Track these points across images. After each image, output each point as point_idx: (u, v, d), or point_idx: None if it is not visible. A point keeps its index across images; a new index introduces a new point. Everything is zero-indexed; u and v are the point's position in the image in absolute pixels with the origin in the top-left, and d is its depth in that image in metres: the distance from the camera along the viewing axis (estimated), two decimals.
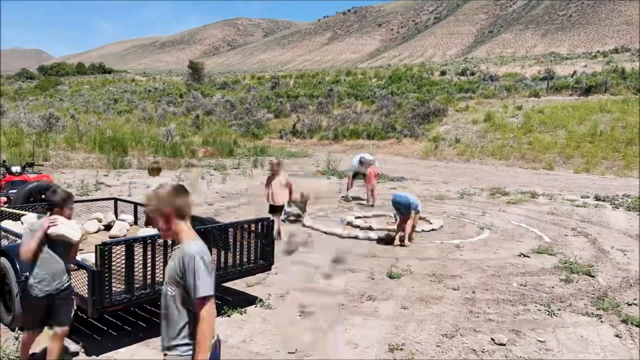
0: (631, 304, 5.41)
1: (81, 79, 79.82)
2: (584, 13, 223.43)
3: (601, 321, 4.98)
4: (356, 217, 9.69)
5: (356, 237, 8.23)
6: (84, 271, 3.91)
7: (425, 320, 4.90)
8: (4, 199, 7.37)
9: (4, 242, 5.00)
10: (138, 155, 19.85)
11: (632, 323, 4.87)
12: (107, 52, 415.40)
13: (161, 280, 4.15)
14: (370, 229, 8.81)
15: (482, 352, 4.28)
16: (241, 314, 4.89)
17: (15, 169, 8.19)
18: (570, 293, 5.74)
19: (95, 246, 3.80)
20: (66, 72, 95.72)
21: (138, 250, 3.99)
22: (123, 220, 6.61)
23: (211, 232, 4.65)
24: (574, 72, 42.40)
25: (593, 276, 6.37)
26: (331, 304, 5.24)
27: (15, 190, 7.44)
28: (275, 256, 5.32)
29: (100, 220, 6.46)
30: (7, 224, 5.61)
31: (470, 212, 10.88)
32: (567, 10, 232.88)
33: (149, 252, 4.05)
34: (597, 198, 12.78)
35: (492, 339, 4.50)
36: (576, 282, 6.14)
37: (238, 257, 4.84)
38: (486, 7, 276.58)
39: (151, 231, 5.65)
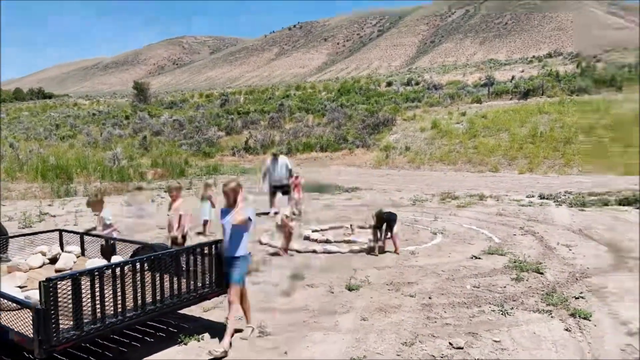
0: (578, 297, 5.67)
1: (19, 105, 76.43)
2: (519, 20, 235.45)
3: (551, 317, 5.18)
4: (313, 231, 9.69)
5: (314, 251, 8.22)
6: (28, 310, 3.70)
7: (385, 330, 4.94)
8: None
9: None
10: (84, 182, 19.12)
11: (579, 316, 5.10)
12: (47, 76, 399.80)
13: (111, 313, 4.00)
14: (327, 241, 8.82)
15: (442, 357, 4.35)
16: (198, 340, 4.76)
17: None
18: (522, 291, 5.95)
19: (39, 282, 3.61)
20: (3, 99, 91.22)
21: (85, 283, 3.83)
22: (69, 252, 6.32)
23: (162, 259, 4.52)
24: (513, 77, 44.54)
25: (542, 273, 6.64)
26: (292, 322, 5.20)
27: None
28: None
29: (44, 254, 6.15)
30: None
31: (423, 217, 11.12)
32: (503, 18, 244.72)
33: (97, 285, 3.89)
34: (541, 197, 13.38)
35: (450, 343, 4.59)
36: (526, 280, 6.37)
37: (192, 282, 4.72)
38: (427, 18, 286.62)
39: (99, 262, 5.44)
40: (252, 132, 33.05)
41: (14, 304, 3.94)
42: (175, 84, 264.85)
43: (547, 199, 13.05)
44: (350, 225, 9.63)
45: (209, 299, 5.11)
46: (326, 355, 4.43)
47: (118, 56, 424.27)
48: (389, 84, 51.77)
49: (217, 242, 4.96)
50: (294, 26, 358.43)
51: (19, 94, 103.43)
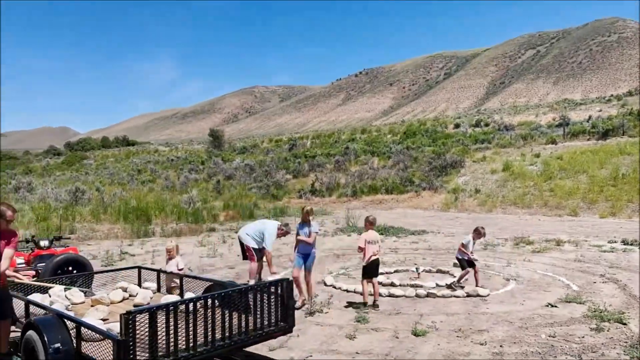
0: None
1: (106, 152, 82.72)
2: (594, 59, 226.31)
3: None
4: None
5: (380, 295, 8.13)
6: (109, 341, 3.97)
7: None
8: (32, 272, 7.57)
9: (33, 316, 5.12)
10: (161, 223, 20.21)
11: None
12: (131, 125, 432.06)
13: (184, 347, 4.20)
14: (392, 285, 8.71)
15: None
16: None
17: (44, 243, 8.45)
18: (602, 342, 5.55)
19: (120, 315, 3.89)
20: (91, 146, 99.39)
21: (161, 317, 4.06)
22: (147, 288, 6.71)
23: (231, 296, 4.71)
24: (589, 117, 42.53)
25: (625, 324, 6.16)
26: None
27: (43, 264, 7.66)
28: (296, 318, 5.32)
29: (125, 289, 6.56)
30: (36, 297, 5.77)
31: (495, 263, 10.71)
32: (577, 57, 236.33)
33: (171, 319, 4.12)
34: (624, 242, 12.48)
35: None
36: (607, 331, 5.94)
37: (259, 320, 4.86)
38: (495, 60, 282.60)
39: (174, 298, 5.74)
40: (318, 174, 33.64)
41: (97, 335, 4.24)
42: (247, 130, 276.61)
43: (631, 244, 12.15)
44: (417, 269, 9.47)
45: (275, 338, 5.21)
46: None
47: (195, 106, 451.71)
48: (457, 125, 51.08)
49: (283, 281, 5.09)
50: (360, 72, 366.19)
51: (105, 142, 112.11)
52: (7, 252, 4.94)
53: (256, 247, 8.33)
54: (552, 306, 7.14)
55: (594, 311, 6.71)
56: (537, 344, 5.64)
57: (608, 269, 9.66)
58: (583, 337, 5.79)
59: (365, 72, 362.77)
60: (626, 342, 5.52)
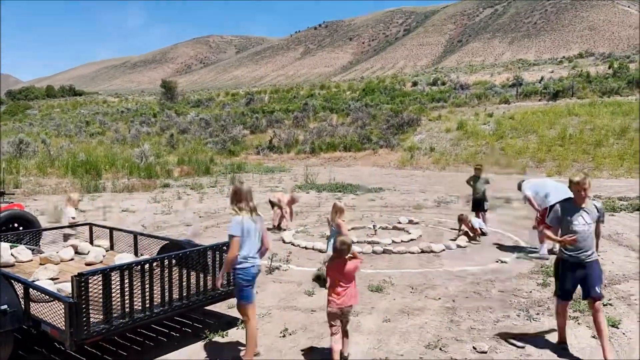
0: (606, 304, 5.54)
1: (51, 102, 78.54)
2: (549, 20, 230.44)
3: (578, 323, 5.09)
4: None
5: None
6: (60, 303, 3.82)
7: (407, 332, 4.93)
8: None
9: None
10: (112, 178, 19.57)
11: (608, 323, 4.98)
12: (77, 74, 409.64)
13: (139, 308, 4.10)
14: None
15: None
16: (222, 336, 4.84)
17: None
18: (548, 297, 5.84)
19: (72, 277, 3.73)
20: (35, 96, 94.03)
21: (115, 278, 3.93)
22: (99, 246, 6.50)
23: (190, 256, 4.61)
24: (542, 78, 43.64)
25: None
26: (313, 321, 5.24)
27: None
28: None
29: (75, 247, 6.33)
30: None
31: (448, 220, 11.01)
32: (532, 17, 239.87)
33: (126, 280, 3.99)
34: None
35: (473, 347, 4.55)
36: (553, 286, 6.24)
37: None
38: (454, 17, 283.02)
39: (128, 257, 5.58)
40: (277, 131, 33.27)
41: (46, 296, 4.07)
42: (201, 82, 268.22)
43: None
44: (374, 226, 9.62)
45: (234, 297, 5.19)
46: (350, 355, 4.44)
47: (146, 55, 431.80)
48: (415, 83, 51.36)
49: None
50: (320, 25, 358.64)
51: (50, 91, 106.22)
52: None
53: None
54: (502, 262, 7.45)
55: (541, 267, 7.06)
56: (488, 299, 5.89)
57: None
58: (530, 292, 6.09)
59: (325, 25, 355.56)
60: None
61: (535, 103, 31.58)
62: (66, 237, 6.85)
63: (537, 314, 5.35)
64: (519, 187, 8.36)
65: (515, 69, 61.82)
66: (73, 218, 7.31)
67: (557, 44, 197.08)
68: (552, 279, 6.44)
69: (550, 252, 7.51)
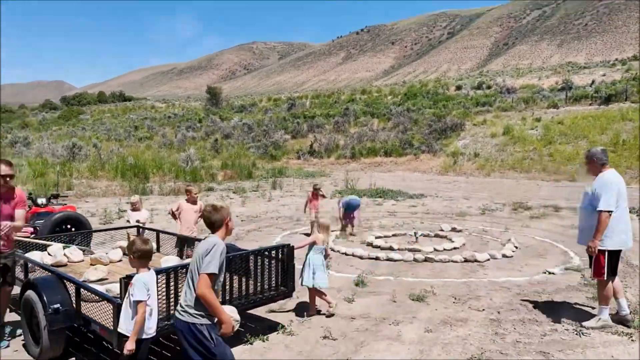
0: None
1: (102, 107, 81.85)
2: (600, 21, 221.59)
3: (632, 340, 4.83)
4: (376, 237, 9.64)
5: (377, 258, 8.18)
6: (109, 303, 3.96)
7: (450, 344, 4.82)
8: (30, 229, 7.55)
9: (32, 275, 5.11)
10: (159, 181, 20.17)
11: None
12: (127, 80, 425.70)
13: None
14: (391, 249, 8.75)
15: None
16: (263, 341, 4.88)
17: (41, 200, 8.40)
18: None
19: (120, 279, 3.86)
20: (88, 101, 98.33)
21: (161, 280, 4.04)
22: None
23: (232, 260, 4.68)
24: (593, 82, 41.98)
25: None
26: (353, 329, 5.21)
27: (41, 221, 7.63)
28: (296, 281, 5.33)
29: (123, 249, 6.55)
30: (34, 255, 5.75)
31: (493, 228, 10.73)
32: (583, 19, 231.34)
33: (172, 283, 4.10)
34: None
35: None
36: None
37: (259, 284, 4.86)
38: (500, 20, 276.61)
39: (174, 259, 5.73)
40: (317, 135, 33.42)
41: (96, 296, 4.22)
42: (245, 88, 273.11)
43: (630, 212, 12.16)
44: (415, 233, 9.49)
45: (275, 302, 5.24)
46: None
47: (192, 61, 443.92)
48: (459, 87, 50.46)
49: (284, 247, 5.07)
50: (362, 30, 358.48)
51: (102, 97, 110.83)
52: (20, 212, 4.82)
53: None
54: (550, 273, 7.18)
55: (591, 279, 6.75)
56: (535, 311, 5.68)
57: None
58: (579, 305, 5.84)
59: (367, 29, 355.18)
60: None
61: (585, 107, 30.40)
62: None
63: (588, 329, 5.11)
64: (591, 163, 5.31)
65: (564, 72, 59.69)
66: (140, 222, 7.49)
67: (609, 46, 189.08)
68: None
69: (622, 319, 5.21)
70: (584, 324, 5.13)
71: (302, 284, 5.55)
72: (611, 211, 4.91)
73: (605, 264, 5.05)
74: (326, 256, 5.83)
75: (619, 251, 5.16)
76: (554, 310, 5.71)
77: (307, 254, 5.70)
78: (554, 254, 8.38)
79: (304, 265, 5.66)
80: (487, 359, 4.47)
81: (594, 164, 5.20)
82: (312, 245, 5.68)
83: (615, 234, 5.00)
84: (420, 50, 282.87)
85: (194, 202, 7.53)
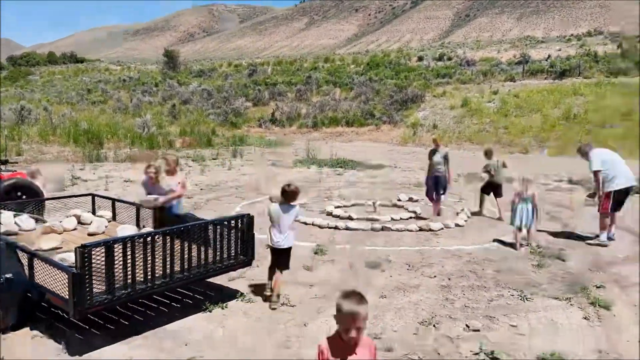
0: (599, 287, 5.64)
1: (53, 68, 77.85)
2: None
3: (571, 304, 5.19)
4: (335, 207, 9.78)
5: (336, 227, 8.33)
6: (64, 273, 3.91)
7: (403, 309, 5.04)
8: None
9: None
10: (114, 148, 19.59)
11: (599, 305, 5.09)
12: (79, 40, 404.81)
13: (141, 279, 4.19)
14: (350, 218, 8.92)
15: (458, 338, 4.44)
16: (222, 308, 4.95)
17: None
18: (543, 278, 5.94)
19: (75, 248, 3.81)
20: (37, 61, 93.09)
21: (118, 250, 4.01)
22: (101, 216, 6.58)
23: (192, 230, 4.69)
24: (549, 56, 43.13)
25: (564, 260, 6.61)
26: (311, 296, 5.35)
27: None
28: (256, 250, 5.40)
29: (78, 217, 6.41)
30: None
31: (448, 198, 11.05)
32: None
33: (129, 252, 4.07)
34: (571, 181, 13.13)
35: (467, 325, 4.66)
36: (548, 267, 6.36)
37: (219, 253, 4.89)
38: None
39: (130, 228, 5.66)
40: (279, 103, 33.08)
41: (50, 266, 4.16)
42: (204, 51, 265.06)
43: (577, 184, 12.81)
44: (373, 203, 9.68)
45: (235, 270, 5.29)
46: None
47: (148, 22, 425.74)
48: (420, 58, 50.76)
49: (243, 216, 5.10)
50: None
51: (52, 57, 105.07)
52: None
53: None
54: (499, 242, 7.53)
55: (537, 247, 7.14)
56: (483, 278, 5.99)
57: (554, 207, 10.20)
58: (525, 272, 6.19)
59: None
60: (564, 278, 5.94)
61: (541, 81, 31.30)
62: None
63: (532, 294, 5.44)
64: (583, 154, 7.71)
65: (522, 46, 60.96)
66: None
67: (566, 21, 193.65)
68: (548, 261, 6.56)
69: (610, 239, 7.48)
70: (588, 242, 7.50)
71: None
72: (598, 170, 7.34)
73: (610, 203, 7.32)
74: None
75: (623, 190, 7.35)
76: (501, 277, 6.03)
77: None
78: (504, 224, 8.76)
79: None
80: (437, 323, 4.71)
81: (585, 155, 7.63)
82: None
83: (612, 180, 7.29)
84: (383, 18, 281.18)
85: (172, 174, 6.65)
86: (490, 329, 4.61)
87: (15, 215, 6.07)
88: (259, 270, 5.98)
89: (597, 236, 7.50)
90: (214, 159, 18.22)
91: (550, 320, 4.82)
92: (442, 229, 8.31)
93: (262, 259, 6.16)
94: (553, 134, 22.23)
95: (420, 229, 8.23)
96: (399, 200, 10.61)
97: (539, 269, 6.30)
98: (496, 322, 4.75)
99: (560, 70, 32.39)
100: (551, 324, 4.74)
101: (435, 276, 6.03)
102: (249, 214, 5.17)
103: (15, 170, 8.53)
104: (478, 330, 4.57)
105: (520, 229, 7.20)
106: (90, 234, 5.80)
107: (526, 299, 5.31)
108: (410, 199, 10.77)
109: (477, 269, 6.32)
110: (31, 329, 4.42)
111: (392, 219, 8.89)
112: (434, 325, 4.66)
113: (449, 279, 5.93)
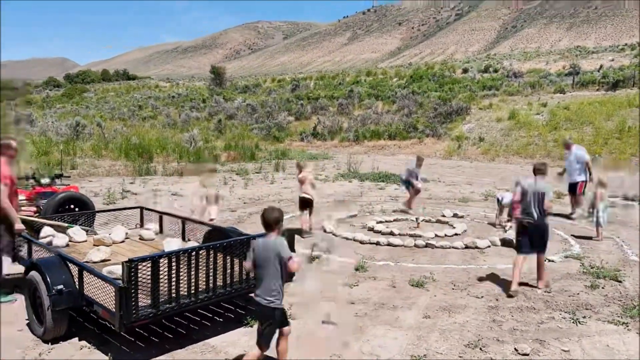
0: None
1: (106, 85, 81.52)
2: (610, 5, 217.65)
3: (628, 329, 4.88)
4: (377, 222, 9.67)
5: (377, 243, 8.23)
6: (111, 285, 4.01)
7: (448, 330, 4.88)
8: (34, 209, 7.61)
9: (35, 255, 5.18)
10: (163, 162, 20.21)
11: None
12: (131, 58, 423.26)
13: (185, 293, 4.25)
14: (392, 234, 8.78)
15: None
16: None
17: (45, 180, 8.45)
18: (596, 300, 5.63)
19: (122, 263, 3.91)
20: (91, 79, 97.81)
21: (164, 264, 4.09)
22: (148, 229, 6.76)
23: (234, 245, 4.73)
24: (601, 67, 41.46)
25: (620, 281, 6.25)
26: (352, 313, 5.27)
27: (44, 201, 7.68)
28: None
29: (126, 230, 6.61)
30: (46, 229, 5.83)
31: (495, 213, 10.72)
32: (593, 2, 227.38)
33: (174, 267, 4.15)
34: (627, 198, 12.49)
35: (515, 349, 4.46)
36: (602, 288, 6.03)
37: None
38: (509, 2, 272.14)
39: (176, 241, 5.78)
40: (321, 117, 33.27)
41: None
42: (249, 68, 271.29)
43: (632, 200, 12.16)
44: (416, 219, 9.52)
45: None
46: (386, 350, 4.46)
47: (197, 40, 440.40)
48: (465, 70, 49.91)
49: (284, 232, 5.10)
50: (368, 10, 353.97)
51: (106, 75, 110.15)
52: None
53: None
54: (549, 261, 7.21)
55: (591, 267, 6.80)
56: (533, 298, 5.73)
57: (608, 225, 9.69)
58: (578, 293, 5.88)
59: (373, 9, 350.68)
60: (620, 301, 5.60)
61: (592, 93, 30.10)
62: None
63: (585, 317, 5.16)
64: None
65: (572, 56, 58.96)
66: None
67: (619, 31, 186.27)
68: (601, 281, 6.22)
69: None
70: (570, 215, 10.32)
71: None
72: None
73: (583, 188, 10.36)
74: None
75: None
76: (552, 298, 5.76)
77: None
78: (554, 242, 8.38)
79: None
80: (484, 346, 4.53)
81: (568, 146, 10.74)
82: None
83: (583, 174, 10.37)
84: (427, 31, 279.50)
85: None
86: (540, 354, 4.40)
87: (67, 228, 6.32)
88: (299, 287, 5.96)
89: None
90: (257, 172, 18.47)
91: (606, 345, 4.54)
92: (489, 246, 8.05)
93: (301, 274, 6.15)
94: (606, 148, 21.26)
95: (466, 247, 8.00)
96: (443, 216, 10.38)
97: (592, 289, 5.98)
98: (547, 347, 4.52)
99: (613, 81, 31.02)
100: (607, 349, 4.47)
101: (482, 296, 5.82)
102: (290, 228, 5.17)
103: (69, 184, 8.92)
104: (527, 355, 4.36)
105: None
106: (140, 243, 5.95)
107: (579, 322, 5.04)
108: (455, 215, 10.51)
109: (525, 289, 6.06)
110: (79, 340, 4.56)
111: (436, 235, 8.68)
112: (480, 348, 4.49)
113: (497, 300, 5.71)
